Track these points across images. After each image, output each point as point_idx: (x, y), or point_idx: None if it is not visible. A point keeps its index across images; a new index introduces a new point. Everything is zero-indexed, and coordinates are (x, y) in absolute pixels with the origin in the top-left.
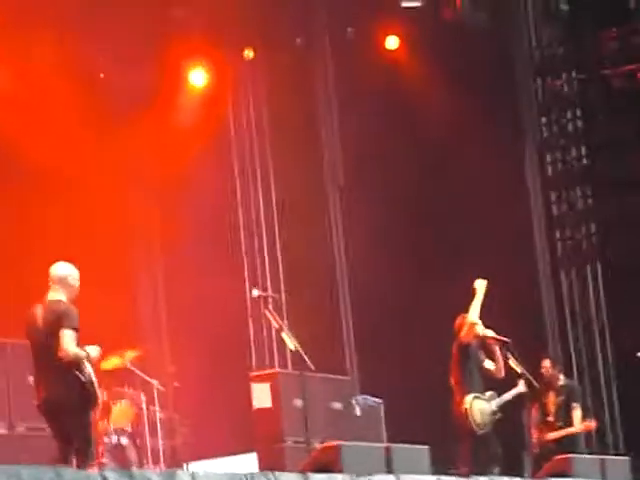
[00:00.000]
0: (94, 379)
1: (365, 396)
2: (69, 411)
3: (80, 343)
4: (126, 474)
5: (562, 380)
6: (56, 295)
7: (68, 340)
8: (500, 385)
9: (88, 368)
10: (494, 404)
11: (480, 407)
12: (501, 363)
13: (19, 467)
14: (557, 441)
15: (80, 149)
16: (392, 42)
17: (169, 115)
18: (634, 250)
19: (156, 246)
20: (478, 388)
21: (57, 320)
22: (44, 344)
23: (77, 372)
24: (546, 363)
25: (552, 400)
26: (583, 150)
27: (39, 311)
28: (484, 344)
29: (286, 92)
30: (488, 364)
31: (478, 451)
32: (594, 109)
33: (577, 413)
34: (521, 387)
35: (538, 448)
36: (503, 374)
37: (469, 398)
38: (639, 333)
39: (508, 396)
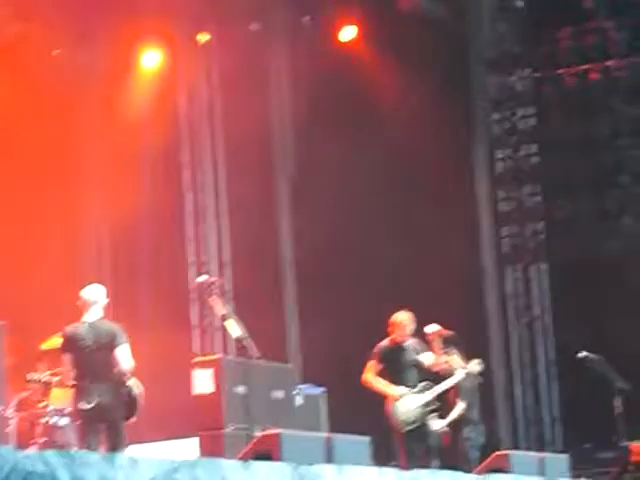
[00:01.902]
0: (139, 393)
1: (308, 385)
2: (116, 418)
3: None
4: (66, 455)
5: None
6: (97, 314)
7: (128, 355)
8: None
9: (133, 381)
10: (428, 394)
11: (405, 404)
12: (440, 357)
13: None
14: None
15: (29, 125)
16: (348, 32)
17: (120, 96)
18: (580, 250)
19: (104, 228)
20: (409, 383)
21: (111, 338)
22: (98, 359)
23: (128, 385)
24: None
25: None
26: (534, 148)
27: (84, 328)
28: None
29: (240, 78)
30: (424, 357)
31: (412, 446)
32: (546, 107)
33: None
34: (458, 375)
35: None
36: (441, 367)
37: (395, 396)
38: (581, 333)
39: (444, 386)
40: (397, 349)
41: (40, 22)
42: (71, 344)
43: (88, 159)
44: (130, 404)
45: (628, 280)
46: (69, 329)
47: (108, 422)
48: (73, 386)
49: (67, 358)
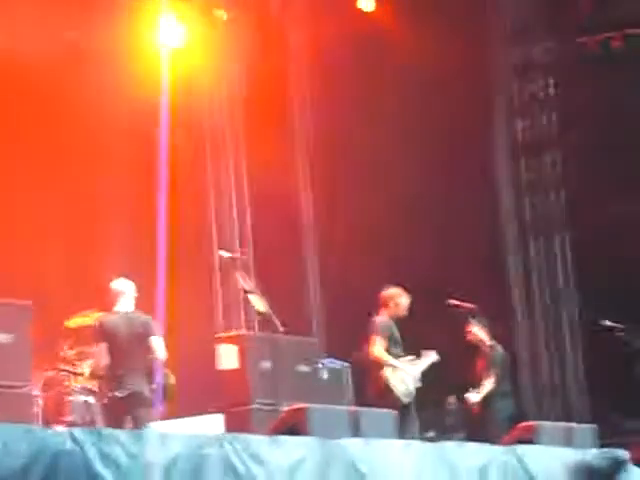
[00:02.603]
0: (173, 381)
1: (332, 359)
2: (148, 404)
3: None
4: (94, 432)
5: (487, 347)
6: (129, 305)
7: (162, 346)
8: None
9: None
10: (417, 368)
11: (400, 376)
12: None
13: None
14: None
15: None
16: (369, 3)
17: (140, 74)
18: (602, 218)
19: (127, 204)
20: (401, 358)
21: (145, 329)
22: (132, 349)
23: (165, 372)
24: (472, 327)
25: (478, 367)
26: (554, 117)
27: (118, 319)
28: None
29: (259, 54)
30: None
31: (408, 421)
32: (568, 76)
33: (489, 381)
34: (433, 357)
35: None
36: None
37: (388, 371)
38: (605, 301)
39: (423, 366)
40: (395, 324)
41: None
42: (106, 334)
43: (111, 134)
44: (165, 393)
45: None
46: (103, 319)
47: (138, 410)
48: (106, 375)
49: (101, 347)
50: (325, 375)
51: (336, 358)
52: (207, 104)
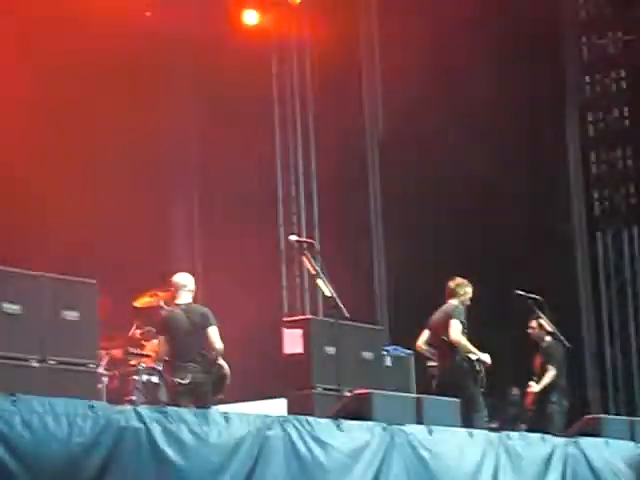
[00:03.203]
0: (227, 371)
1: (396, 347)
2: (206, 394)
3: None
4: (159, 410)
5: (545, 342)
6: (188, 298)
7: (218, 336)
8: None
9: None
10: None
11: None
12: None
13: (54, 399)
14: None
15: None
16: None
17: (212, 54)
18: None
19: (194, 189)
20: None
21: (203, 320)
22: (192, 340)
23: (218, 364)
24: (533, 324)
25: (537, 360)
26: (625, 111)
27: (179, 312)
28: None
29: (331, 39)
30: None
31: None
32: (638, 70)
33: (548, 375)
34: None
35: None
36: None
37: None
38: None
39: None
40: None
41: None
42: (167, 327)
43: (181, 115)
44: (219, 382)
45: None
46: (165, 313)
47: (197, 398)
48: (167, 363)
49: (162, 339)
50: (389, 362)
51: (400, 346)
52: (277, 89)
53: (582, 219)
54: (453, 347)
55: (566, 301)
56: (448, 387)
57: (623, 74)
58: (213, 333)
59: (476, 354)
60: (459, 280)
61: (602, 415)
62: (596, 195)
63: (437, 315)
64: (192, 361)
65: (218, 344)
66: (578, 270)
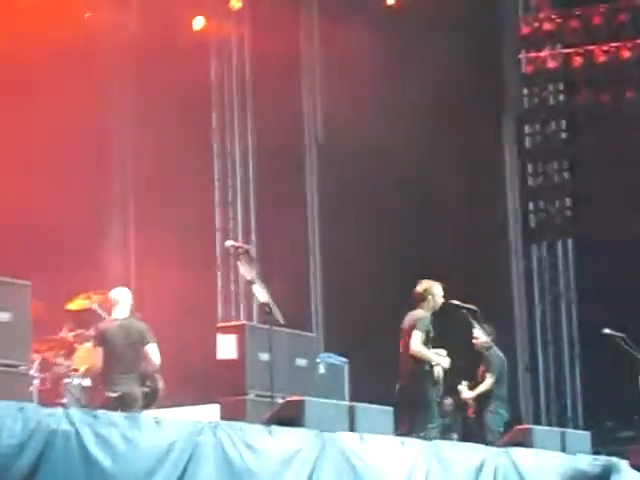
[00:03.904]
0: (161, 386)
1: (330, 354)
2: (136, 408)
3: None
4: (90, 413)
5: (487, 350)
6: (125, 312)
7: (157, 353)
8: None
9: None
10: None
11: (438, 372)
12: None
13: None
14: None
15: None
16: None
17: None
18: (606, 226)
19: (130, 192)
20: None
21: (141, 336)
22: (128, 354)
23: (155, 379)
24: (476, 333)
25: (480, 369)
26: (563, 124)
27: (115, 326)
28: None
29: (270, 44)
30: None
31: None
32: (577, 83)
33: (485, 383)
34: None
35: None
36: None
37: (426, 366)
38: (605, 310)
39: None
40: (431, 319)
41: None
42: (104, 339)
43: (118, 120)
44: (152, 396)
45: None
46: (102, 326)
47: (128, 411)
48: (101, 376)
49: (99, 351)
50: (322, 370)
51: (335, 354)
52: (217, 95)
53: (518, 231)
54: (414, 356)
55: (500, 312)
56: (406, 394)
57: (561, 87)
58: (152, 350)
59: (435, 361)
60: (426, 284)
61: (533, 426)
62: (532, 207)
63: (406, 321)
64: (125, 375)
65: (157, 360)
66: (513, 281)
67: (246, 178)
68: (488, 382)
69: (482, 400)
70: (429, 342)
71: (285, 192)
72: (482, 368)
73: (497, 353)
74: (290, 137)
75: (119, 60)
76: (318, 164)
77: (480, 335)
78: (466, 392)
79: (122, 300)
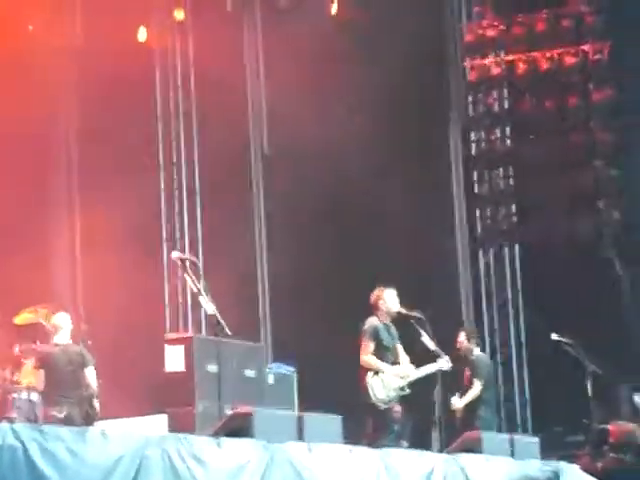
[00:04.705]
0: (97, 411)
1: (279, 364)
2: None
3: None
4: (36, 428)
5: (473, 355)
6: (66, 338)
7: (94, 376)
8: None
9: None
10: (406, 380)
11: (383, 382)
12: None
13: None
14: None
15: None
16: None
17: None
18: (551, 233)
19: (75, 204)
20: (389, 363)
21: (81, 360)
22: (69, 377)
23: (93, 401)
24: (460, 337)
25: (465, 374)
26: (507, 130)
27: (58, 351)
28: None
29: (214, 56)
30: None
31: (383, 425)
32: (521, 90)
33: (473, 389)
34: (441, 364)
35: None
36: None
37: (369, 375)
38: (553, 316)
39: (422, 372)
40: (386, 327)
41: None
42: (46, 362)
43: (60, 134)
44: (90, 418)
45: (600, 264)
46: (44, 349)
47: None
48: (44, 395)
49: (41, 373)
50: (271, 380)
51: (284, 364)
52: (161, 107)
53: (464, 237)
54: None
55: (449, 318)
56: (362, 403)
57: (505, 94)
58: (90, 374)
59: (383, 370)
60: (377, 292)
61: (482, 432)
62: (478, 213)
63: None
64: (68, 396)
65: (94, 384)
66: (460, 288)
67: (192, 189)
68: (477, 387)
69: (470, 406)
70: (383, 349)
71: (232, 202)
72: (467, 373)
73: (483, 357)
74: (236, 146)
75: (62, 72)
76: (264, 173)
77: (427, 342)
78: (458, 403)
79: (64, 327)
